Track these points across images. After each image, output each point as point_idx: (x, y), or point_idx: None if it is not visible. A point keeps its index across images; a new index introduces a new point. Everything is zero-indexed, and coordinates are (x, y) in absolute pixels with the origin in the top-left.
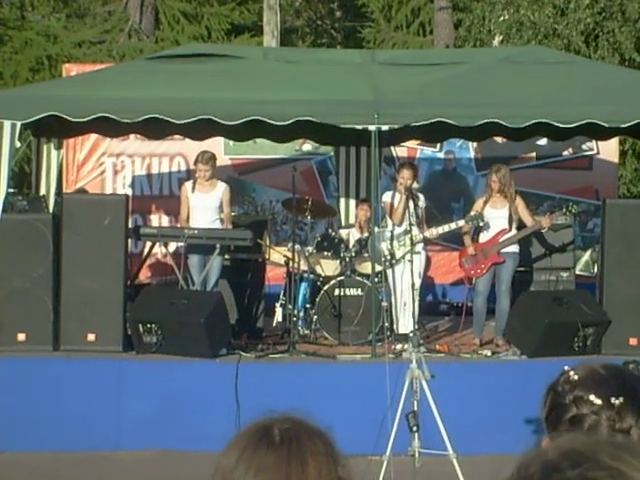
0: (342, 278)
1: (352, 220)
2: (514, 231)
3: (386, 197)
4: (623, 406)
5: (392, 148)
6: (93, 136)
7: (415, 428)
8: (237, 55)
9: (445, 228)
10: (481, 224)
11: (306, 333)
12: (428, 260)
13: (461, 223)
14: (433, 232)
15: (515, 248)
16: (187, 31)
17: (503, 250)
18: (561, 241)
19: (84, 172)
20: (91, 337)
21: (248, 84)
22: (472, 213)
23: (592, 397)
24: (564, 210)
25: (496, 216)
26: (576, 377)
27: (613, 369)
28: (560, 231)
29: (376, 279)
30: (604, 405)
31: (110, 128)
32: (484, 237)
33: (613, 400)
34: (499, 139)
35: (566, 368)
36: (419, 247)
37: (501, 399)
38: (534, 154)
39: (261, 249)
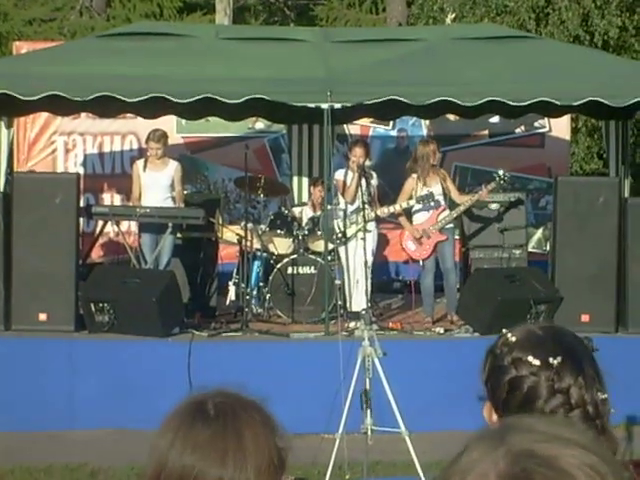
0: (295, 256)
1: (305, 198)
2: (447, 209)
3: (338, 175)
4: (561, 366)
5: (345, 126)
6: (44, 114)
7: (366, 405)
8: (189, 34)
9: (396, 207)
10: (432, 203)
11: (259, 311)
12: (381, 238)
13: (412, 202)
14: (384, 210)
15: (451, 223)
16: (139, 9)
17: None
18: (513, 218)
19: (35, 151)
20: (43, 317)
21: (200, 62)
22: (423, 192)
23: (530, 358)
24: (497, 179)
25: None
26: (514, 339)
27: (550, 329)
28: (512, 208)
29: (329, 257)
30: (542, 365)
31: (61, 106)
32: (422, 217)
33: (551, 360)
34: (451, 117)
35: (504, 331)
36: (371, 225)
37: (453, 376)
38: (487, 132)
39: (214, 227)
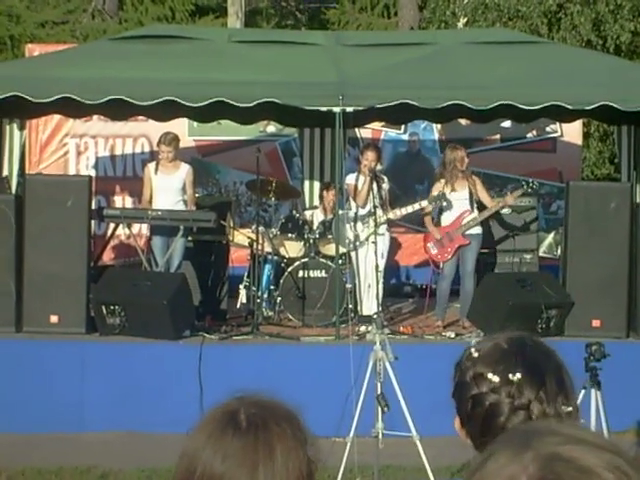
0: (306, 260)
1: (316, 202)
2: (476, 212)
3: (350, 179)
4: (521, 381)
5: (356, 130)
6: (56, 117)
7: (386, 409)
8: (201, 37)
9: (408, 209)
10: (444, 204)
11: (270, 315)
12: (393, 242)
13: (424, 204)
14: (397, 213)
15: (478, 230)
16: (151, 12)
17: (467, 232)
18: (525, 223)
19: (47, 153)
20: (54, 319)
21: (212, 65)
22: (435, 193)
23: (490, 375)
24: (525, 187)
25: (457, 198)
26: (476, 354)
27: (516, 342)
28: (524, 213)
29: (340, 261)
30: (502, 382)
31: (73, 109)
32: (447, 220)
33: (511, 376)
34: (463, 121)
35: (473, 343)
36: (383, 229)
37: None
38: (498, 136)
39: (225, 231)
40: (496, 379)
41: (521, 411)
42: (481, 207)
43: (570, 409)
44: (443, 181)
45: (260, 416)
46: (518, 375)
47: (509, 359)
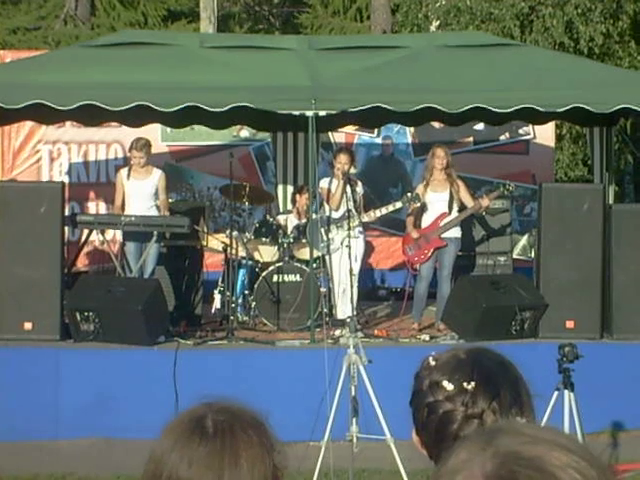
0: (280, 264)
1: (290, 206)
2: (455, 214)
3: (323, 183)
4: (475, 390)
5: (330, 134)
6: (29, 123)
7: (355, 412)
8: (173, 42)
9: (382, 210)
10: (417, 204)
11: (245, 319)
12: (367, 245)
13: (398, 205)
14: (371, 214)
15: (457, 233)
16: (123, 17)
17: (445, 235)
18: (498, 225)
19: (20, 160)
20: (28, 326)
21: (184, 70)
22: (409, 194)
23: (445, 383)
24: (502, 189)
25: (436, 200)
26: (433, 363)
27: (474, 353)
28: (497, 215)
29: (314, 265)
30: (457, 390)
31: (46, 115)
32: (425, 222)
33: (465, 385)
34: (436, 124)
35: (432, 354)
36: (357, 232)
37: None
38: (471, 139)
39: (199, 236)
40: (451, 387)
41: (474, 420)
42: (463, 209)
43: (524, 421)
44: (424, 182)
45: (227, 422)
46: (472, 384)
47: (465, 368)
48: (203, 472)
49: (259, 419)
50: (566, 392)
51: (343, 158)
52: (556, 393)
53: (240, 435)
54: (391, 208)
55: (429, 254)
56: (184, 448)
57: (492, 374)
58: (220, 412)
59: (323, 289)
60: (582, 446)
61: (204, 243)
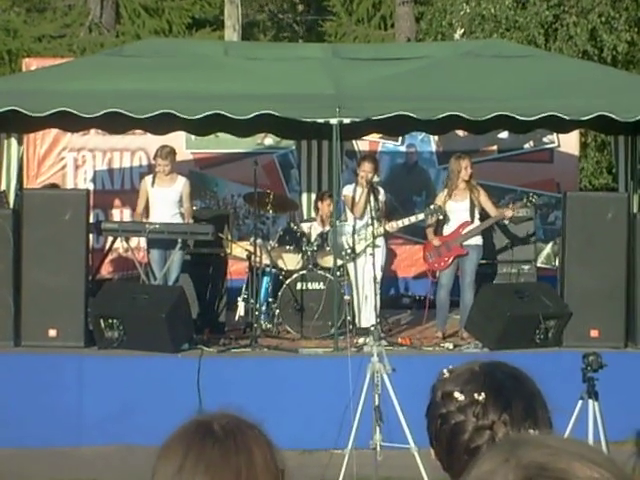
0: (304, 272)
1: (314, 214)
2: (477, 223)
3: (347, 190)
4: (486, 402)
5: (354, 141)
6: (54, 131)
7: (379, 421)
8: (198, 51)
9: (405, 221)
10: (440, 217)
11: (268, 327)
12: (390, 253)
13: (421, 216)
14: (393, 225)
15: (479, 241)
16: (148, 25)
17: (467, 242)
18: (523, 234)
19: (45, 167)
20: (52, 333)
21: (209, 78)
22: (431, 206)
23: (456, 394)
24: (525, 201)
25: (458, 209)
26: (447, 374)
27: (488, 366)
28: (521, 224)
29: (338, 273)
30: (468, 401)
31: (71, 123)
32: (447, 230)
33: (476, 396)
34: (460, 132)
35: (449, 367)
36: (380, 240)
37: None
38: (495, 147)
39: (223, 243)
40: (462, 398)
41: (485, 431)
42: (486, 218)
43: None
44: (446, 191)
45: (233, 424)
46: (483, 395)
47: (477, 380)
48: (220, 473)
49: (256, 420)
50: (590, 401)
51: (367, 166)
52: (580, 402)
53: (249, 434)
54: (413, 219)
55: (449, 261)
56: (199, 454)
57: (503, 386)
58: (222, 417)
59: (347, 297)
60: (607, 458)
61: (228, 251)
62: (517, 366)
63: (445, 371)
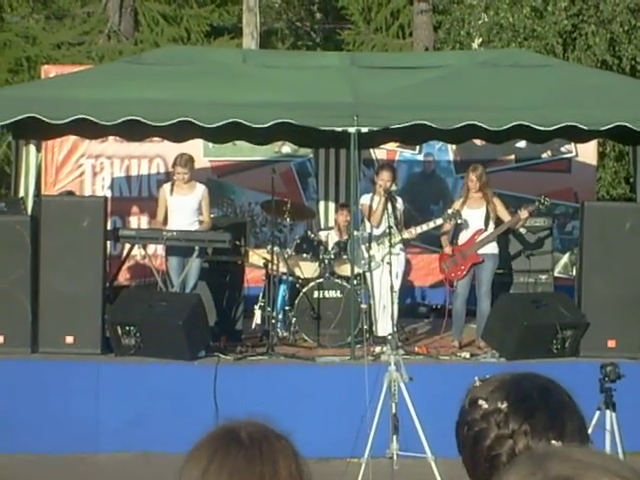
0: (321, 280)
1: (331, 222)
2: (491, 230)
3: (364, 199)
4: (508, 411)
5: (371, 150)
6: (72, 138)
7: (395, 429)
8: (216, 59)
9: (424, 227)
10: (459, 221)
11: (285, 335)
12: (407, 262)
13: (439, 221)
14: (412, 231)
15: (494, 249)
16: (166, 33)
17: (482, 251)
18: (540, 243)
19: (63, 174)
20: (69, 339)
21: (227, 86)
22: (449, 211)
23: (481, 401)
24: (537, 203)
25: (473, 216)
26: (478, 383)
27: (518, 376)
28: (539, 233)
29: (355, 281)
30: (492, 410)
31: (89, 130)
32: (462, 239)
33: (499, 404)
34: (478, 141)
35: (486, 375)
36: (398, 249)
37: None
38: (513, 156)
39: (240, 251)
40: (486, 405)
41: (506, 440)
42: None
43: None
44: (462, 199)
45: (261, 433)
46: (505, 403)
47: (503, 389)
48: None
49: (284, 431)
50: (608, 412)
51: (385, 175)
52: (598, 413)
53: (276, 444)
54: (432, 225)
55: (465, 270)
56: (223, 460)
57: (529, 396)
58: (250, 425)
59: (364, 305)
60: (632, 470)
61: (245, 258)
62: (552, 378)
63: (477, 379)
